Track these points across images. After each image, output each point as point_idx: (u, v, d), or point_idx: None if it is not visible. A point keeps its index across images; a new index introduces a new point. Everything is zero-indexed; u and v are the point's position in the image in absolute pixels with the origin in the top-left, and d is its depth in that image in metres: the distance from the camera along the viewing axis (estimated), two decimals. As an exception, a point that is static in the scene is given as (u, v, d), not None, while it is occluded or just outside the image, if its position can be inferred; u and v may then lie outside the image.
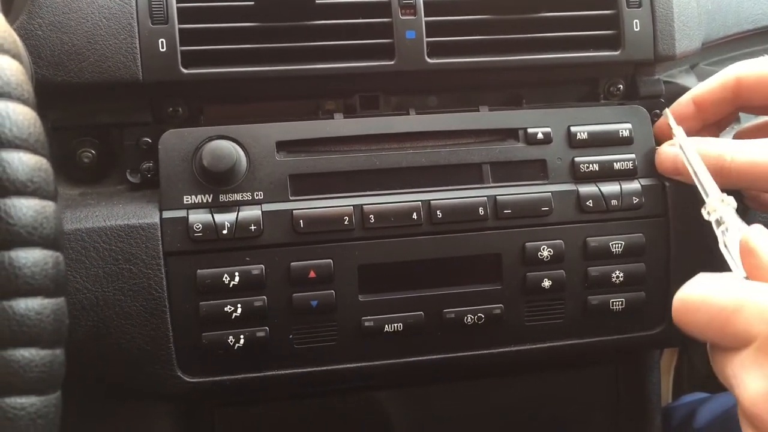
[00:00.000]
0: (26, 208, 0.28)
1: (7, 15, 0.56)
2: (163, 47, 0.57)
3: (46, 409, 0.27)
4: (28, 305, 0.27)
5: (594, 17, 0.64)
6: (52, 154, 0.59)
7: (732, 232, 0.48)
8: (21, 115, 0.30)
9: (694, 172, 0.55)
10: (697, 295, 0.43)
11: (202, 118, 0.62)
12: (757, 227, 0.45)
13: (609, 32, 0.64)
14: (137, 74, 0.57)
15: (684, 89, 0.72)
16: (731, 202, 0.50)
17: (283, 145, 0.59)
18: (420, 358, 0.61)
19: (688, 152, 0.56)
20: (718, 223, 0.50)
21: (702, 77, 0.76)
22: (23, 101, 0.30)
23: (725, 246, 0.48)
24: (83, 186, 0.61)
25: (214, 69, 0.58)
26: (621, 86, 0.68)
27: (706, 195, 0.52)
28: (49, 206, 0.30)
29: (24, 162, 0.29)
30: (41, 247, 0.28)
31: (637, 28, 0.64)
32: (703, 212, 0.51)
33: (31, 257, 0.28)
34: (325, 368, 0.60)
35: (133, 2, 0.57)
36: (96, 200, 0.59)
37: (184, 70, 0.57)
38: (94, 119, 0.60)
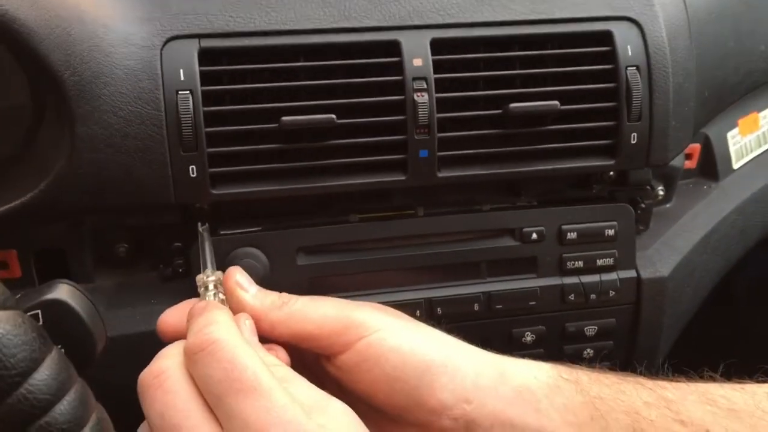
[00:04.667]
0: None
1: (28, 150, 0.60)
2: (193, 173, 0.60)
3: None
4: None
5: (595, 129, 0.68)
6: (93, 250, 0.65)
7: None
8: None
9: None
10: None
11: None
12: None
13: (607, 142, 0.68)
14: (170, 198, 0.61)
15: (670, 169, 0.78)
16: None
17: (302, 249, 0.65)
18: None
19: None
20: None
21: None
22: None
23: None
24: (119, 274, 0.67)
25: (240, 189, 0.62)
26: (612, 174, 0.73)
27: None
28: None
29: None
30: None
31: (634, 140, 0.68)
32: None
33: None
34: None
35: (164, 132, 0.59)
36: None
37: (213, 191, 0.62)
38: (128, 222, 0.65)
